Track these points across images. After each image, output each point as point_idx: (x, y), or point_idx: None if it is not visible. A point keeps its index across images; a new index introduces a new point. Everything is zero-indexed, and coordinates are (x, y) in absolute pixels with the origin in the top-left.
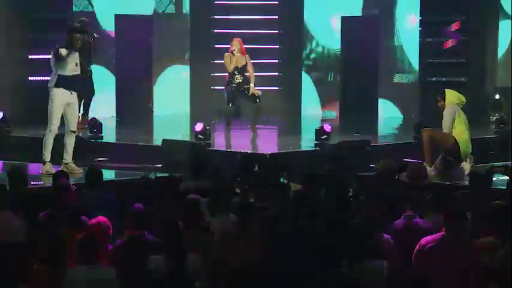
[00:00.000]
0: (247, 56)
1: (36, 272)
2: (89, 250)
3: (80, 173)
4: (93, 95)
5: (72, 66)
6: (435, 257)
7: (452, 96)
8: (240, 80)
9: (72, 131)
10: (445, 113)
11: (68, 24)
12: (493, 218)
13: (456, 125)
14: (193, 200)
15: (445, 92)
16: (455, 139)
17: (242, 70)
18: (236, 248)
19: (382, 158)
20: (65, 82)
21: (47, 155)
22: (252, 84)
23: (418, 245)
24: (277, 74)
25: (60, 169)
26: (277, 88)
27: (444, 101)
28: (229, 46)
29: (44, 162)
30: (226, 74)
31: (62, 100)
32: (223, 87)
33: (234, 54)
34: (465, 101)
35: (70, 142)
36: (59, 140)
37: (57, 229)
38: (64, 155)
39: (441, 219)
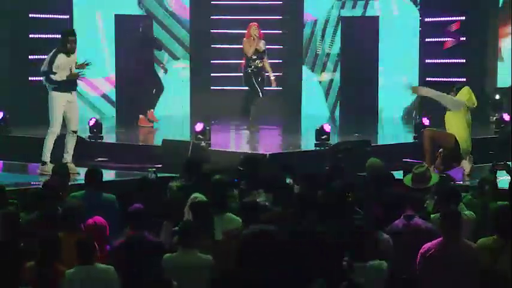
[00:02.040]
0: (264, 41)
1: (27, 271)
2: (86, 250)
3: (76, 174)
4: (162, 91)
5: (67, 72)
6: (437, 263)
7: (463, 96)
8: (260, 65)
9: (73, 131)
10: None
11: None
12: (496, 218)
13: (458, 123)
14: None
15: (462, 88)
16: (456, 138)
17: (262, 55)
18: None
19: (383, 159)
20: (61, 87)
21: (48, 155)
22: (271, 74)
23: (419, 253)
24: (277, 74)
25: None
26: (277, 88)
27: (455, 94)
28: (229, 46)
29: (44, 163)
30: (242, 61)
31: (62, 101)
32: (242, 73)
33: (254, 39)
34: (475, 105)
35: (71, 142)
36: (60, 140)
37: (50, 229)
38: (64, 155)
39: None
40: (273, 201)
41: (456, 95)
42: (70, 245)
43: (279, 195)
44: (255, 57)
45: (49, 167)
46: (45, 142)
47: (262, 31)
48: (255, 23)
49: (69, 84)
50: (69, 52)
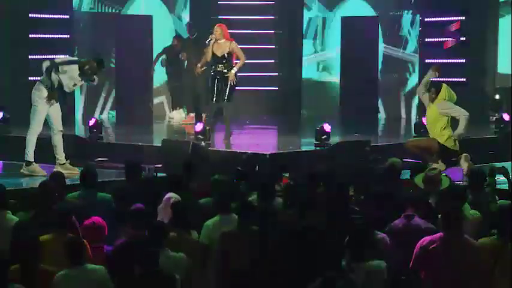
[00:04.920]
0: (232, 42)
1: (12, 274)
2: (75, 251)
3: (77, 173)
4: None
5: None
6: (438, 258)
7: (444, 94)
8: (222, 69)
9: (60, 130)
10: (445, 108)
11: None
12: (496, 218)
13: (440, 124)
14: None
15: (441, 86)
16: (438, 141)
17: (222, 59)
18: (237, 248)
19: (383, 158)
20: (55, 95)
21: (32, 154)
22: (232, 71)
23: (418, 246)
24: (277, 74)
25: (55, 169)
26: (277, 88)
27: (437, 95)
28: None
29: (29, 162)
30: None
31: (48, 103)
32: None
33: (215, 42)
34: (454, 100)
35: (58, 141)
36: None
37: (39, 230)
38: (57, 156)
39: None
40: (258, 200)
41: (437, 96)
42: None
43: (265, 194)
44: (216, 61)
45: (35, 166)
46: (28, 141)
47: (262, 31)
48: (221, 24)
49: (60, 95)
50: (88, 76)
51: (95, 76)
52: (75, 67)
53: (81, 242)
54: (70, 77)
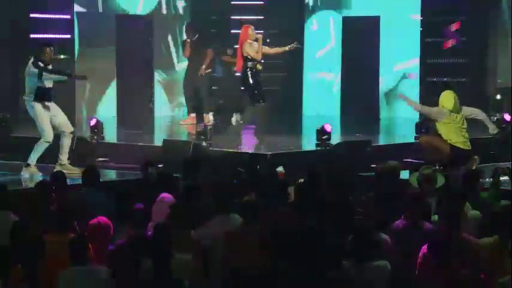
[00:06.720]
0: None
1: (13, 273)
2: (78, 251)
3: (78, 173)
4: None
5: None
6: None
7: (445, 102)
8: (260, 69)
9: (69, 133)
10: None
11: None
12: (498, 218)
13: (448, 129)
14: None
15: (443, 94)
16: (450, 145)
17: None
18: (239, 247)
19: (384, 159)
20: (44, 95)
21: (34, 160)
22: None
23: (421, 253)
24: (277, 74)
25: (57, 169)
26: (277, 88)
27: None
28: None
29: (28, 165)
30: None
31: (45, 109)
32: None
33: (257, 41)
34: (457, 107)
35: (67, 143)
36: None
37: (39, 230)
38: (60, 156)
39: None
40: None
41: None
42: (63, 245)
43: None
44: (257, 61)
45: (32, 169)
46: (36, 148)
47: (262, 31)
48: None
49: (48, 95)
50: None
51: (52, 56)
52: (29, 64)
53: (84, 242)
54: (29, 74)
